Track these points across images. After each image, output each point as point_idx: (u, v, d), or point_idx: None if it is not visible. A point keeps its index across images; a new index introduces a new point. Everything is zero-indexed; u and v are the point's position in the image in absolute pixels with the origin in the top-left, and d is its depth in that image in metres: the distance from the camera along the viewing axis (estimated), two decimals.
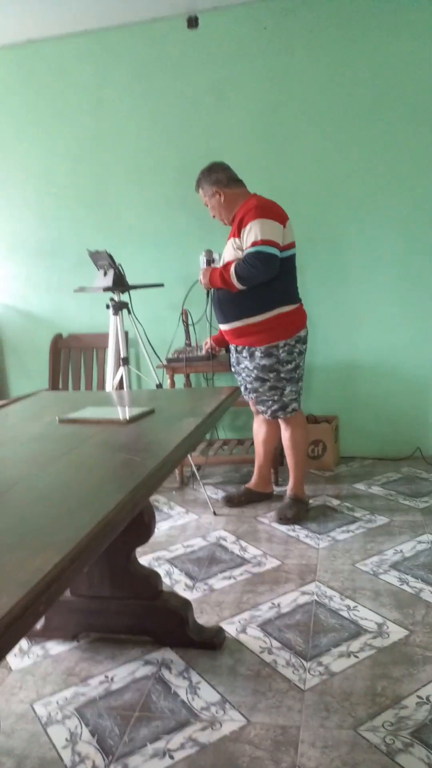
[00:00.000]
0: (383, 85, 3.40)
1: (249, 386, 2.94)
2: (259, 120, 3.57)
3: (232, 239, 2.79)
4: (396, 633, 2.02)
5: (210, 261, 2.97)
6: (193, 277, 3.18)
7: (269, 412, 2.94)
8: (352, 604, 2.21)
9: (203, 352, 3.26)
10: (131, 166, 3.77)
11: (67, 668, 1.95)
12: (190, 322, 3.53)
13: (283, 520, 2.94)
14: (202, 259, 2.98)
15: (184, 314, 3.52)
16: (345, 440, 3.81)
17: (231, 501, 3.19)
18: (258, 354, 2.85)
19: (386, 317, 3.62)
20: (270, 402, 2.92)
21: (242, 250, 2.73)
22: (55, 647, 2.07)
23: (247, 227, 2.69)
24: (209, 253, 2.99)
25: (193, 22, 3.55)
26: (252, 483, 3.25)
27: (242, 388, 2.98)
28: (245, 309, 2.79)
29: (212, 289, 2.87)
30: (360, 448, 3.80)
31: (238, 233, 2.74)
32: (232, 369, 3.08)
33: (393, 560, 2.51)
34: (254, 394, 2.94)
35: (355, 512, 3.01)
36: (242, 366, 2.95)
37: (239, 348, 2.93)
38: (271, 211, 2.73)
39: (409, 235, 3.50)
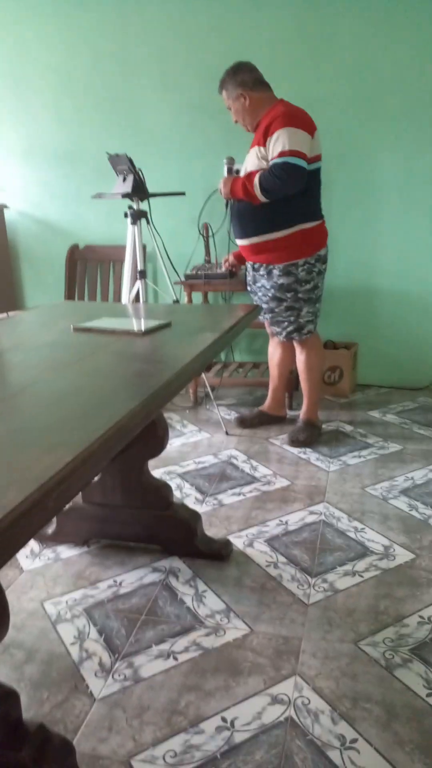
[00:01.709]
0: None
1: (265, 306, 2.87)
2: (294, 20, 3.30)
3: (256, 148, 2.64)
4: (402, 556, 2.04)
5: (231, 170, 2.81)
6: (214, 188, 3.05)
7: (284, 333, 2.88)
8: (359, 525, 2.22)
9: (223, 269, 3.17)
10: (156, 67, 3.54)
11: (77, 571, 2.00)
12: (210, 236, 3.41)
13: (295, 442, 2.94)
14: (224, 167, 2.82)
15: (205, 228, 3.39)
16: (362, 368, 3.75)
17: (244, 422, 3.19)
18: (276, 272, 2.76)
19: (413, 242, 3.47)
20: (285, 323, 2.85)
21: (267, 160, 2.58)
22: (66, 551, 2.11)
23: (274, 136, 2.53)
24: (231, 161, 2.82)
25: None
26: (265, 405, 3.23)
27: None
28: (265, 224, 2.68)
29: (232, 201, 2.74)
30: (377, 376, 3.75)
31: (263, 141, 2.59)
32: (248, 288, 2.99)
33: (403, 486, 2.51)
34: (270, 315, 2.87)
35: (368, 439, 3.00)
36: (259, 285, 2.87)
37: (256, 266, 2.83)
38: (299, 119, 2.55)
39: None
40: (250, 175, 2.62)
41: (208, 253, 3.47)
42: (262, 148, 2.59)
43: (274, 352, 3.10)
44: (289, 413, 3.30)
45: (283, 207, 2.62)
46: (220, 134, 3.47)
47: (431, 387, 3.64)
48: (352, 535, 2.17)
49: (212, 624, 1.74)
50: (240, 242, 2.82)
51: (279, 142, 2.51)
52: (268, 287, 2.81)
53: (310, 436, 2.97)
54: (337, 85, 3.34)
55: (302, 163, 2.52)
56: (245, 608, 1.81)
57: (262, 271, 2.82)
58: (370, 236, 3.53)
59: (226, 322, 1.95)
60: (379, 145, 3.38)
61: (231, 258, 3.09)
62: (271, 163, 2.55)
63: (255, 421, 3.20)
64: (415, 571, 1.95)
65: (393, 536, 2.15)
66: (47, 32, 3.63)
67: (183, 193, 3.16)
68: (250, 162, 2.67)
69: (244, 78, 2.64)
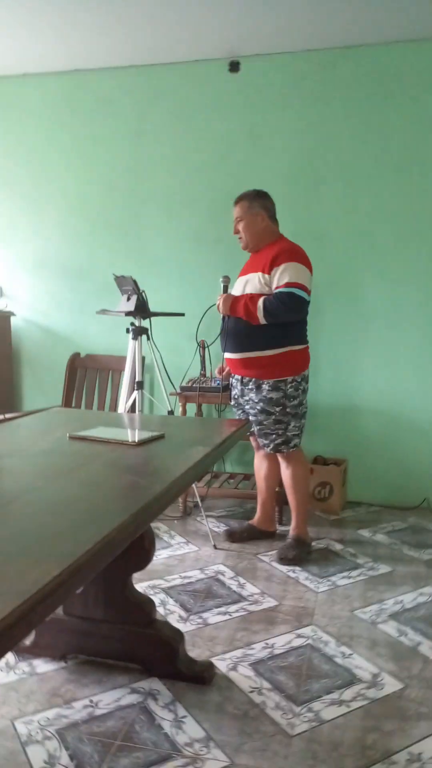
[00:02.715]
0: (415, 139, 3.47)
1: (253, 418, 2.95)
2: (292, 165, 3.64)
3: (259, 274, 2.83)
4: (390, 685, 1.97)
5: (227, 287, 2.96)
6: (212, 310, 3.22)
7: (272, 446, 2.95)
8: (347, 651, 2.16)
9: (216, 376, 3.24)
10: (163, 198, 3.86)
11: (52, 688, 1.93)
12: (206, 350, 3.56)
13: (284, 560, 2.91)
14: (221, 285, 2.98)
15: (201, 344, 3.55)
16: (353, 485, 3.77)
17: (233, 536, 3.16)
18: (265, 387, 2.88)
19: (402, 365, 3.62)
20: (274, 435, 2.92)
21: (269, 287, 2.79)
22: (42, 665, 2.04)
23: (282, 267, 2.77)
24: (227, 279, 2.96)
25: (235, 67, 3.66)
26: (255, 520, 3.22)
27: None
28: (258, 342, 2.84)
29: (227, 317, 2.89)
30: (367, 493, 3.76)
31: (267, 270, 2.80)
32: (233, 402, 3.09)
33: (393, 610, 2.46)
34: (258, 427, 2.95)
35: (358, 558, 2.97)
36: (246, 398, 2.96)
37: (245, 380, 2.95)
38: (304, 257, 2.85)
39: (429, 286, 3.53)
40: (253, 298, 2.80)
41: (203, 366, 3.60)
42: (266, 275, 2.80)
43: (260, 465, 3.14)
44: (280, 528, 3.28)
45: (277, 329, 2.80)
46: (217, 259, 3.71)
47: (421, 507, 3.64)
48: (339, 661, 2.10)
49: (190, 754, 1.66)
50: (231, 356, 2.94)
51: (286, 274, 2.75)
52: (256, 400, 2.91)
53: (300, 553, 2.94)
54: (332, 224, 3.62)
55: (305, 295, 2.77)
56: (226, 737, 1.72)
57: (251, 385, 2.93)
58: (361, 358, 3.68)
59: (217, 436, 2.01)
60: (368, 276, 3.60)
61: (227, 367, 3.16)
62: (277, 291, 2.76)
63: (244, 536, 3.17)
64: (404, 702, 1.88)
65: (381, 663, 2.09)
66: (66, 161, 3.98)
67: (182, 314, 3.33)
68: (251, 285, 2.85)
69: (268, 204, 2.92)
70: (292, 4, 3.02)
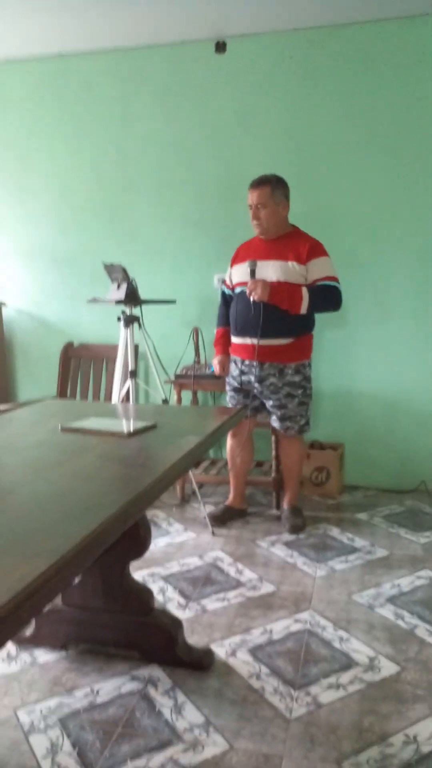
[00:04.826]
0: (403, 118, 3.42)
1: (273, 404, 3.00)
2: (280, 147, 3.60)
3: (291, 263, 2.85)
4: (387, 668, 1.98)
5: (254, 272, 2.85)
6: (205, 296, 3.19)
7: (296, 427, 3.05)
8: (345, 635, 2.18)
9: (217, 372, 3.22)
10: (152, 183, 3.81)
11: (53, 677, 1.94)
12: (200, 338, 3.54)
13: (297, 528, 3.08)
14: (247, 270, 2.87)
15: (195, 332, 3.53)
16: (350, 469, 3.78)
17: (217, 519, 3.18)
18: (289, 371, 2.95)
19: (400, 349, 3.60)
20: (298, 417, 3.03)
21: (305, 278, 2.86)
22: (44, 655, 2.05)
23: (320, 260, 2.88)
24: (255, 263, 2.85)
25: (221, 47, 3.61)
26: (232, 500, 3.29)
27: (241, 405, 3.04)
28: (293, 328, 2.92)
29: (260, 303, 2.82)
30: (365, 477, 3.76)
31: (303, 260, 2.85)
32: (231, 389, 3.09)
33: (390, 594, 2.47)
34: (281, 411, 3.00)
35: (355, 542, 2.98)
36: (267, 383, 2.97)
37: (266, 365, 2.95)
38: None
39: (426, 267, 3.50)
40: (297, 287, 2.84)
41: (197, 353, 3.58)
42: (302, 266, 2.85)
43: (238, 450, 3.14)
44: (276, 512, 3.30)
45: (305, 316, 2.91)
46: (210, 247, 3.69)
47: (418, 490, 3.65)
48: (337, 645, 2.12)
49: (190, 739, 1.67)
50: (265, 342, 2.88)
51: (325, 267, 2.88)
52: (280, 385, 2.96)
53: (303, 518, 3.17)
54: (322, 206, 3.57)
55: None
56: (225, 722, 1.74)
57: (272, 370, 2.95)
58: (359, 343, 3.64)
59: (210, 425, 2.01)
60: (363, 259, 3.55)
61: (223, 359, 3.15)
62: (321, 283, 2.86)
63: (226, 517, 3.22)
64: (401, 684, 1.90)
65: (378, 647, 2.10)
66: (52, 148, 3.94)
67: (174, 302, 3.31)
68: (284, 274, 2.85)
69: (287, 194, 2.93)
70: None
